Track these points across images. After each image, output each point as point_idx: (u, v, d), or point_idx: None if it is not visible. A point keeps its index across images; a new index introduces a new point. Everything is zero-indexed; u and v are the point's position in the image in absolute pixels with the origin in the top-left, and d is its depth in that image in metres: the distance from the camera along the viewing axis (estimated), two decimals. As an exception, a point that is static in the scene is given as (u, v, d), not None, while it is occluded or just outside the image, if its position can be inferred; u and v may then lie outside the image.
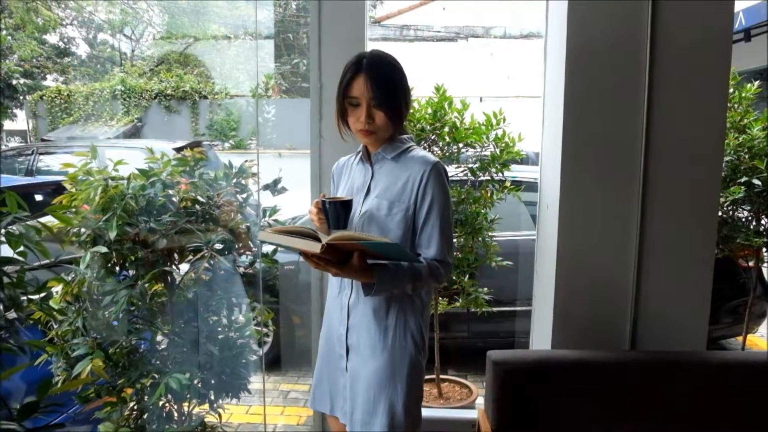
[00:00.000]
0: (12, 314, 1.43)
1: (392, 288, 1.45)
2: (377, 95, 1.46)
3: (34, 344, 1.67)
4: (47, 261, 1.61)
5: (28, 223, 1.43)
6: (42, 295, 1.58)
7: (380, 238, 1.37)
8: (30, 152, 5.21)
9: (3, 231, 1.39)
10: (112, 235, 1.83)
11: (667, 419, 1.80)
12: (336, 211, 1.45)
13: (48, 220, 1.69)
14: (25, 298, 1.46)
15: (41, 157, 5.13)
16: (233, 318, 2.24)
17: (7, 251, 1.41)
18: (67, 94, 8.10)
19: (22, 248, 1.39)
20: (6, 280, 1.40)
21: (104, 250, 1.85)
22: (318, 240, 1.28)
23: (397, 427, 1.52)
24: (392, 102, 1.48)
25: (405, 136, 1.60)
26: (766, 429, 1.80)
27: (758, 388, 1.81)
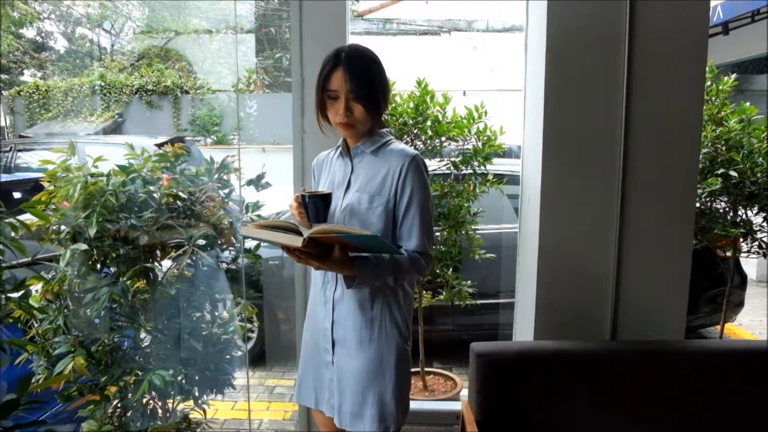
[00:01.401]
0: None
1: (374, 280, 1.47)
2: (355, 88, 1.47)
3: (14, 342, 1.65)
4: (26, 259, 1.60)
5: (5, 220, 1.41)
6: (20, 293, 1.56)
7: (360, 230, 1.38)
8: (8, 149, 5.11)
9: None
10: (92, 231, 1.81)
11: (648, 407, 1.83)
12: (315, 205, 1.46)
13: (27, 217, 1.67)
14: (3, 296, 1.44)
15: (19, 153, 5.03)
16: (217, 314, 2.23)
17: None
18: (46, 90, 7.94)
19: (-1, 246, 1.38)
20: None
21: (84, 247, 1.84)
22: (300, 234, 1.29)
23: (387, 416, 1.54)
24: (371, 95, 1.49)
25: (384, 130, 1.61)
26: (745, 415, 1.85)
27: (736, 376, 1.85)
